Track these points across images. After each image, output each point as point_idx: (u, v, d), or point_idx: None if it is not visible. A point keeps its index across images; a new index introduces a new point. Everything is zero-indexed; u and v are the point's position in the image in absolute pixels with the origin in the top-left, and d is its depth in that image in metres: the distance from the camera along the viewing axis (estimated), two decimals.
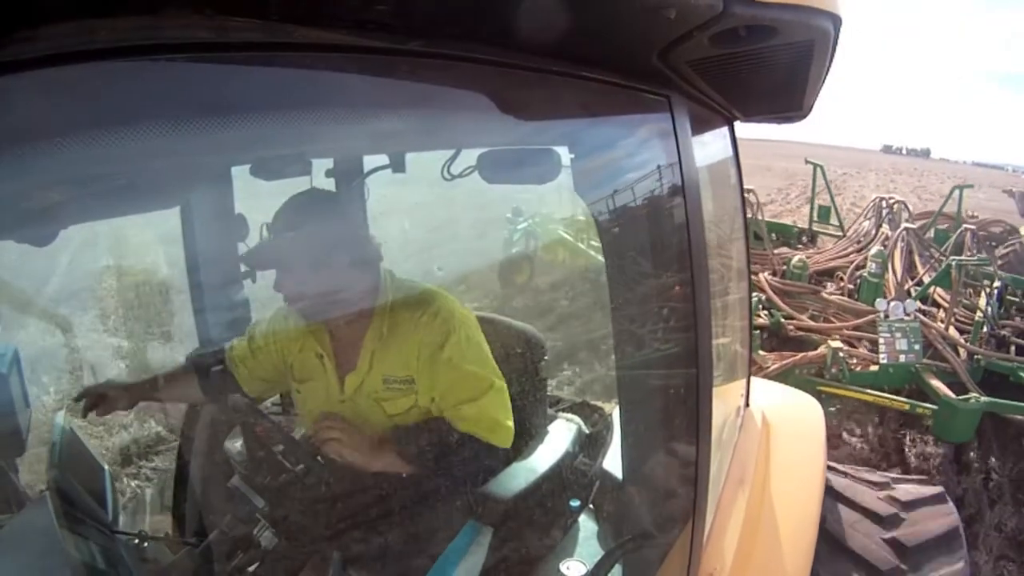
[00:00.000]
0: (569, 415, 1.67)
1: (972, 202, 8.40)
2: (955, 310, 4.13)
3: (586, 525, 1.36)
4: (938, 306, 4.40)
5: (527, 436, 1.39)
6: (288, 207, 1.18)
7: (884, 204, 6.37)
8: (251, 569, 1.24)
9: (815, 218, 7.21)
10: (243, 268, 1.78)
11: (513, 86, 0.67)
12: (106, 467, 1.44)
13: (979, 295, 4.31)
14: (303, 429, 1.42)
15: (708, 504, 1.12)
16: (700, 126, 1.05)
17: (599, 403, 1.79)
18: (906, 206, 6.48)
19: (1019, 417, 3.48)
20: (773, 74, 0.91)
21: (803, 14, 0.68)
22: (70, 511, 0.99)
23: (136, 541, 1.22)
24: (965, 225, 5.51)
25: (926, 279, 4.73)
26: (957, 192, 6.73)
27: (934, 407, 3.39)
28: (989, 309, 4.03)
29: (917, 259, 5.06)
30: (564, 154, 0.93)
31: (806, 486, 1.56)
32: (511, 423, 1.25)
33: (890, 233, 5.51)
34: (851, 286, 4.89)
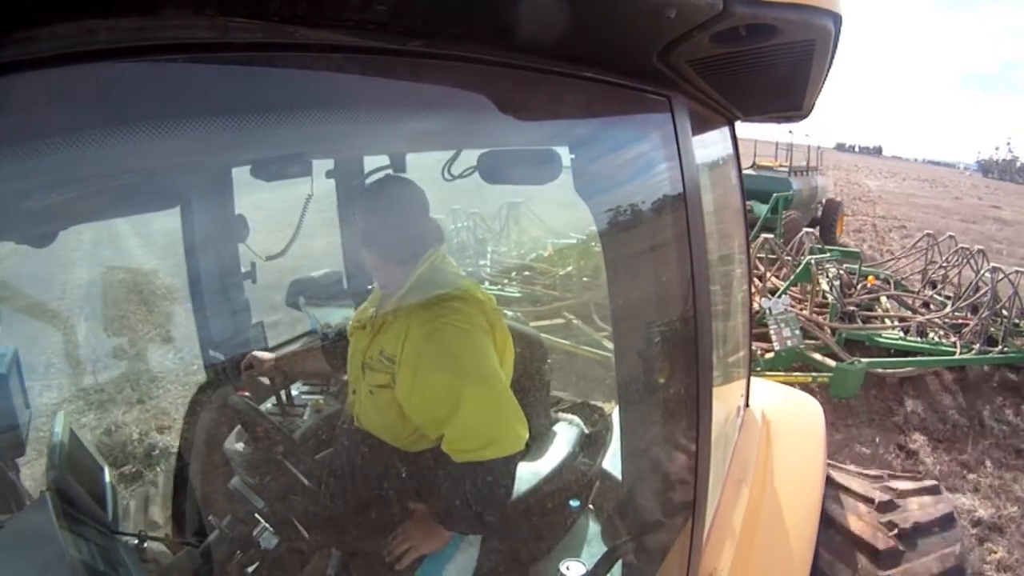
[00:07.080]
0: (569, 415, 1.67)
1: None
2: (802, 295, 5.26)
3: (586, 525, 1.36)
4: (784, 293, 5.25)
5: (530, 438, 1.39)
6: (370, 185, 1.39)
7: None
8: (250, 570, 1.24)
9: None
10: (243, 268, 1.78)
11: (513, 86, 0.67)
12: (106, 467, 1.44)
13: (817, 282, 5.22)
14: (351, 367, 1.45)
15: (708, 504, 1.12)
16: (700, 126, 1.05)
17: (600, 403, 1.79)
18: None
19: (892, 370, 4.54)
20: (774, 74, 0.91)
21: (804, 13, 0.67)
22: (70, 511, 0.99)
23: (136, 541, 1.22)
24: (806, 230, 6.48)
25: (774, 278, 5.68)
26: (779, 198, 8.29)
27: (830, 374, 4.13)
28: (833, 292, 5.04)
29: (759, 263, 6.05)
30: (564, 154, 0.93)
31: (806, 485, 1.56)
32: (513, 429, 1.18)
33: None
34: None
